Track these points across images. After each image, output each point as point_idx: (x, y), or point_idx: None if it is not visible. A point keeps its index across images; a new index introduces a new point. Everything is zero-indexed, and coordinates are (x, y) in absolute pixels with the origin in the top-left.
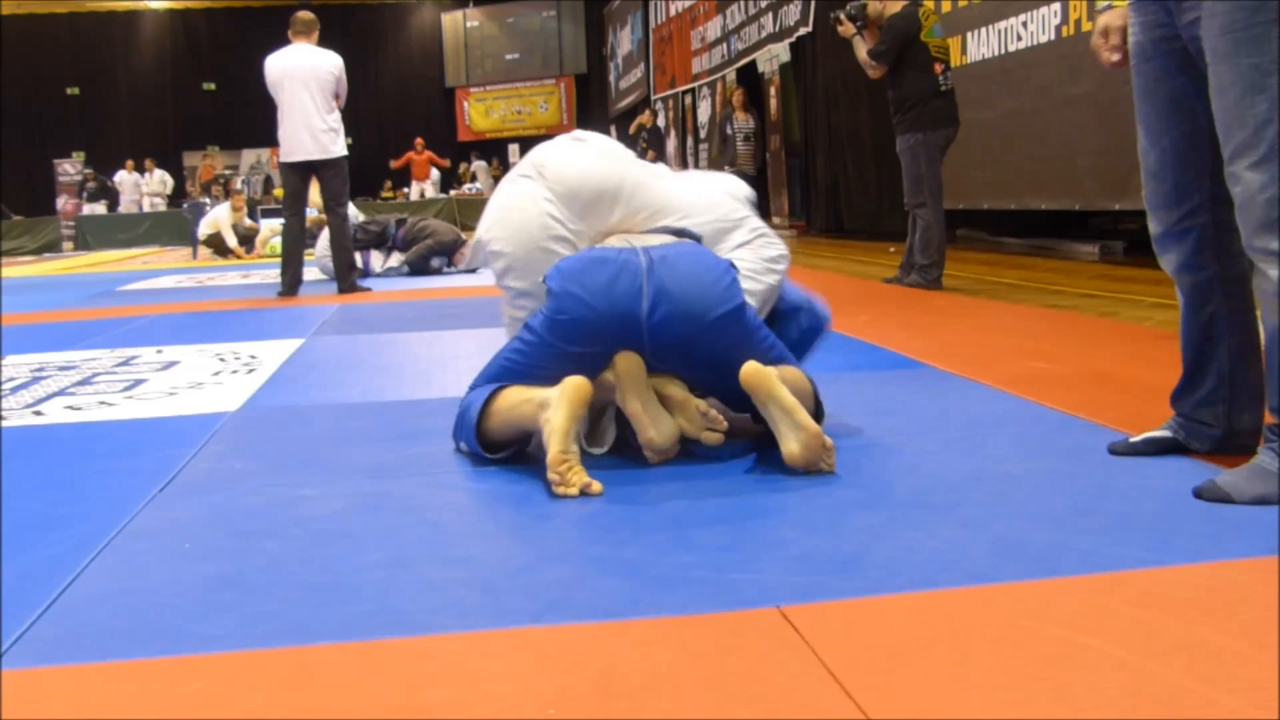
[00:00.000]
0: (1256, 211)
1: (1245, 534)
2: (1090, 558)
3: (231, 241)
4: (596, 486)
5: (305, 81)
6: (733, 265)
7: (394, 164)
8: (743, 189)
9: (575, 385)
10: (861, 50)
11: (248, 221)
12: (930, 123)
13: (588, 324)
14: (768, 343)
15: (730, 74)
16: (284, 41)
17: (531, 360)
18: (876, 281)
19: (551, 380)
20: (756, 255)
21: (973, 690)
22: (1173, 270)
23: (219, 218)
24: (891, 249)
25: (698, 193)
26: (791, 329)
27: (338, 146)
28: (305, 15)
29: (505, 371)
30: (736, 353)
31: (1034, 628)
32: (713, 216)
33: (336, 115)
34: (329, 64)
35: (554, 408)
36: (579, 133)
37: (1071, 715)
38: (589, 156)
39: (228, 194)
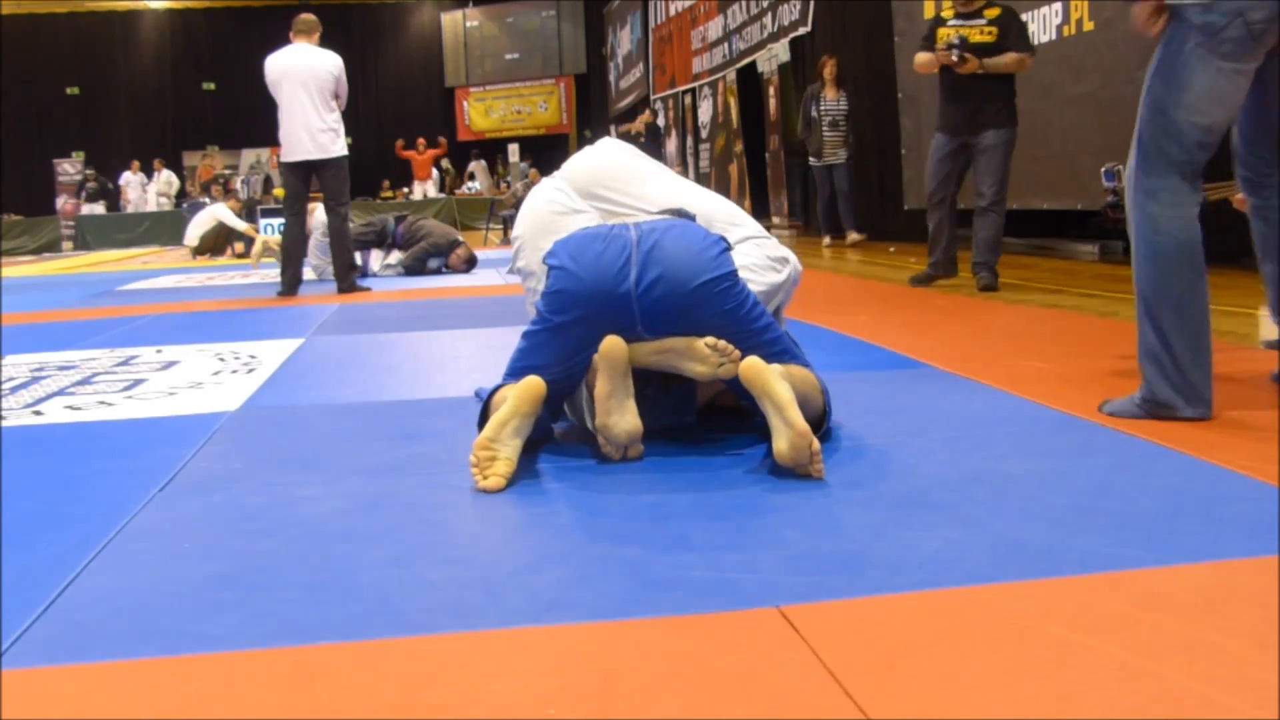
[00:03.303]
0: None
1: (1245, 534)
2: (1090, 558)
3: (241, 225)
4: (493, 484)
5: (304, 81)
6: (724, 239)
7: (399, 149)
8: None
9: (528, 382)
10: (1007, 55)
11: (244, 225)
12: (1017, 119)
13: (577, 295)
14: (771, 334)
15: (731, 73)
16: (284, 41)
17: (537, 346)
18: (876, 281)
19: (560, 369)
20: (760, 251)
21: (973, 690)
22: None
23: (217, 213)
24: (891, 249)
25: (705, 195)
26: None
27: (337, 146)
28: (308, 16)
29: (517, 364)
30: (734, 331)
31: (1034, 628)
32: (718, 212)
33: (336, 115)
34: (328, 64)
35: (507, 401)
36: (603, 140)
37: (1071, 715)
38: (596, 149)
39: (227, 193)
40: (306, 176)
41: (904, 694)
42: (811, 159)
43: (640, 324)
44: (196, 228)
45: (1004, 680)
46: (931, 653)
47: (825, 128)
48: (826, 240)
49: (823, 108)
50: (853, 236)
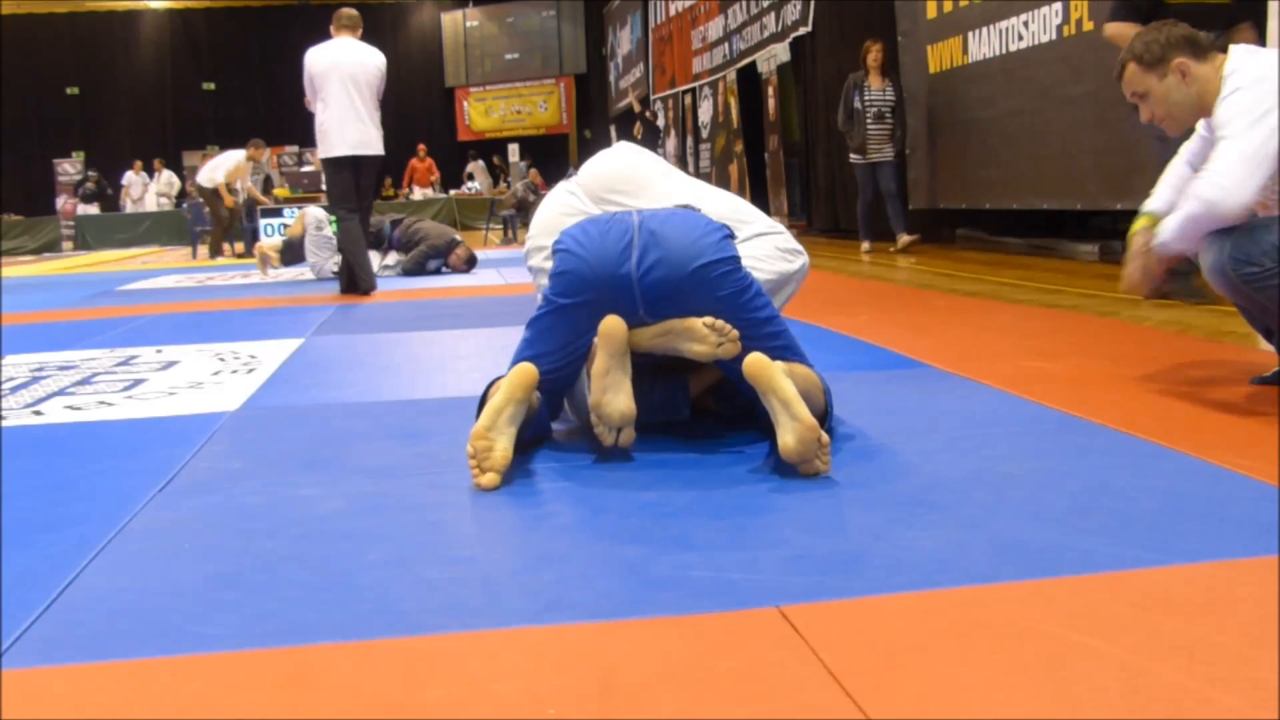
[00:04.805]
0: None
1: (1245, 534)
2: (1090, 558)
3: (240, 196)
4: (488, 480)
5: (355, 77)
6: (727, 227)
7: (406, 180)
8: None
9: (520, 369)
10: None
11: (248, 182)
12: None
13: (581, 277)
14: (775, 326)
15: (731, 73)
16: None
17: (542, 332)
18: (876, 281)
19: (562, 354)
20: (770, 243)
21: (973, 690)
22: None
23: (233, 165)
24: (892, 248)
25: (716, 194)
26: None
27: (381, 145)
28: (351, 11)
29: (523, 354)
30: (735, 318)
31: (1034, 628)
32: (727, 209)
33: (379, 114)
34: (377, 61)
35: (500, 389)
36: (618, 144)
37: (1071, 715)
38: (609, 153)
39: (250, 145)
40: (353, 172)
41: (904, 694)
42: (853, 155)
43: (642, 307)
44: (211, 171)
45: (1004, 680)
46: (931, 653)
47: (870, 120)
48: (866, 246)
49: (868, 98)
50: (904, 239)
